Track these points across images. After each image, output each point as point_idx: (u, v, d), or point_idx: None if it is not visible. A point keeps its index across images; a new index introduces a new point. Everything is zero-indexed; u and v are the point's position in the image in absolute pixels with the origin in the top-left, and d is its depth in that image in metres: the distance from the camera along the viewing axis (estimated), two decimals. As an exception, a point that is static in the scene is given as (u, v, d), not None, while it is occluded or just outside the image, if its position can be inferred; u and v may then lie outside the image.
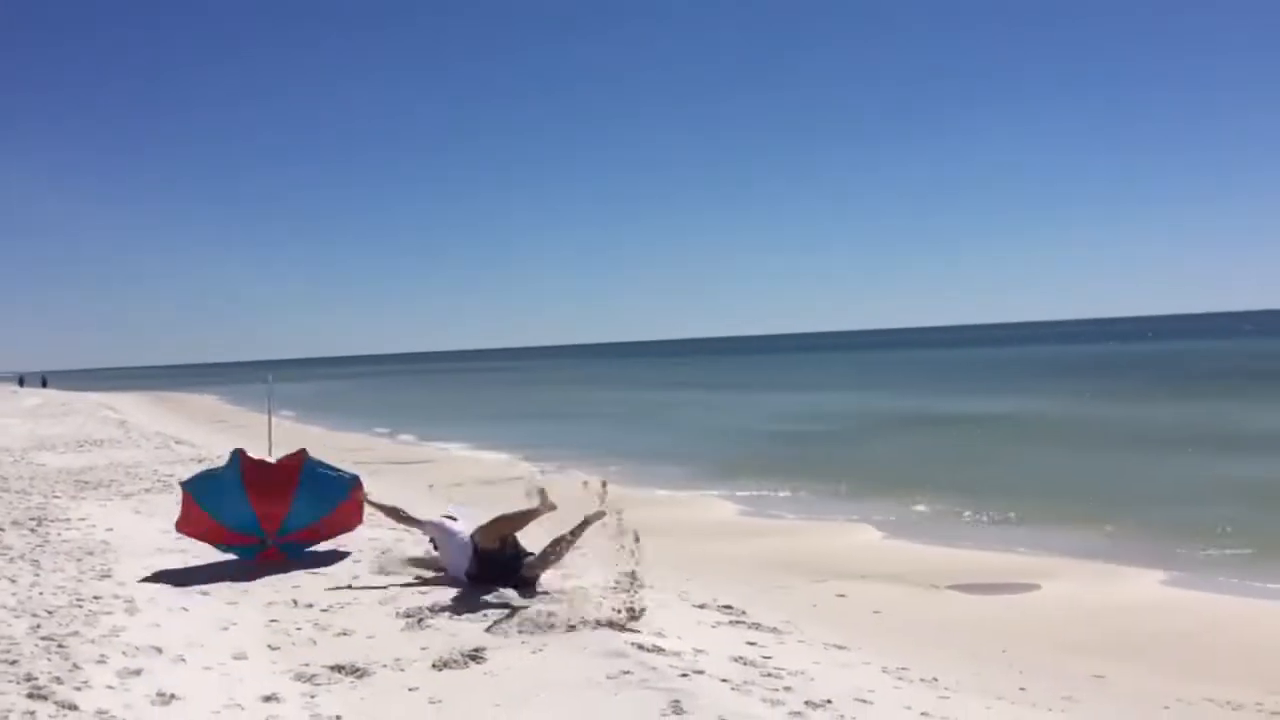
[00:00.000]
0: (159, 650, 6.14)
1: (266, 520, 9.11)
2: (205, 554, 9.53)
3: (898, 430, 26.07)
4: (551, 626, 6.62)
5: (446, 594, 7.67)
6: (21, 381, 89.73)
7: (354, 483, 9.50)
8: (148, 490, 14.34)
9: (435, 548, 8.54)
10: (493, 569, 7.86)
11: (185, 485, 9.34)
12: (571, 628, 6.58)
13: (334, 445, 26.76)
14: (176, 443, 23.70)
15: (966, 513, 13.81)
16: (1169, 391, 35.22)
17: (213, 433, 30.79)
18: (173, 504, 12.96)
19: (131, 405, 49.82)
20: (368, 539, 10.28)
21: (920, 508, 14.28)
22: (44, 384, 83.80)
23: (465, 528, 8.24)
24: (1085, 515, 13.26)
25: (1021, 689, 6.51)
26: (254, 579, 8.44)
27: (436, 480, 18.26)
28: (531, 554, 7.95)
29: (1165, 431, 22.71)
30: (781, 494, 16.04)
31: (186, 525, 9.16)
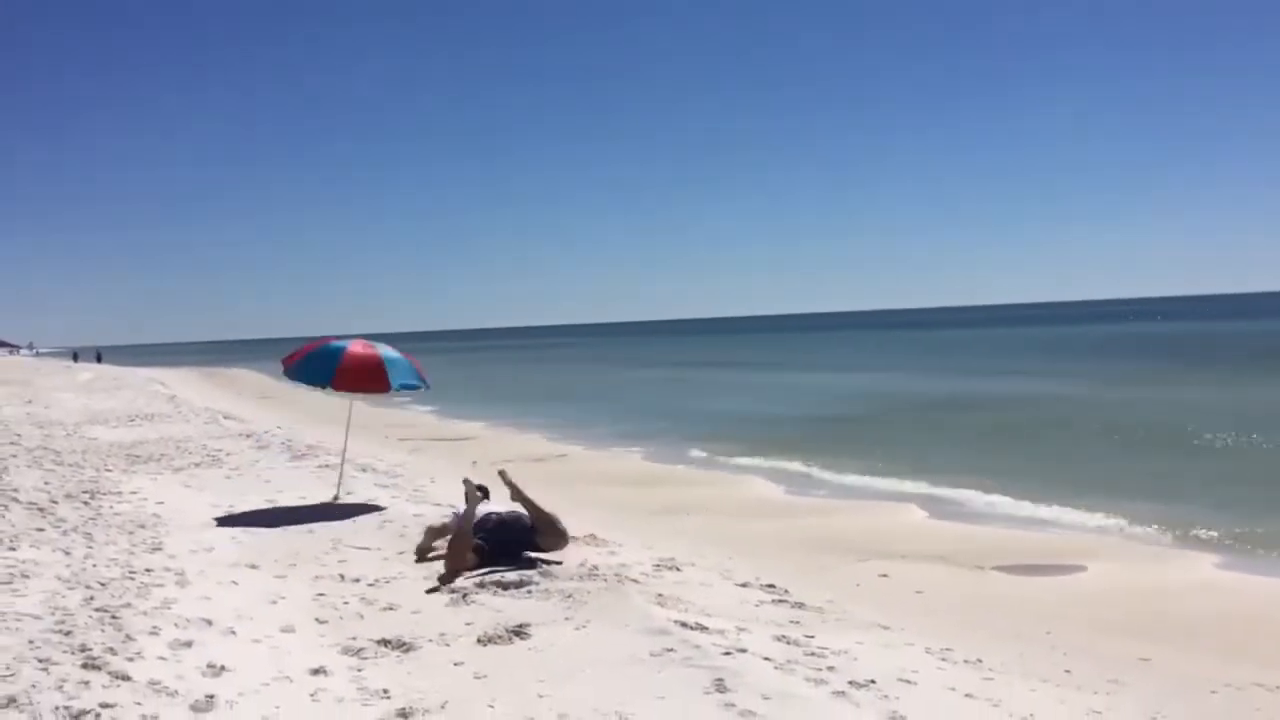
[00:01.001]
0: (209, 623, 6.24)
1: None
2: (254, 528, 9.69)
3: (934, 410, 25.87)
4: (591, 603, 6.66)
5: (491, 571, 7.73)
6: (75, 357, 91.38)
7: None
8: (197, 465, 14.57)
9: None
10: (505, 534, 8.07)
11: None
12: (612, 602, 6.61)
13: (378, 421, 27.03)
14: (225, 418, 24.02)
15: (1010, 493, 13.68)
16: (1211, 372, 34.65)
17: (260, 408, 31.20)
18: (221, 478, 13.22)
19: (180, 381, 50.54)
20: (413, 515, 10.39)
21: (963, 488, 14.18)
22: (99, 359, 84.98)
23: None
24: (1131, 496, 13.11)
25: (1066, 671, 6.46)
26: (301, 553, 8.57)
27: (481, 457, 18.38)
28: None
29: (1211, 411, 22.34)
30: (822, 473, 15.99)
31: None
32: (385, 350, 11.44)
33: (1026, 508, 12.81)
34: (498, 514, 8.33)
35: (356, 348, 11.27)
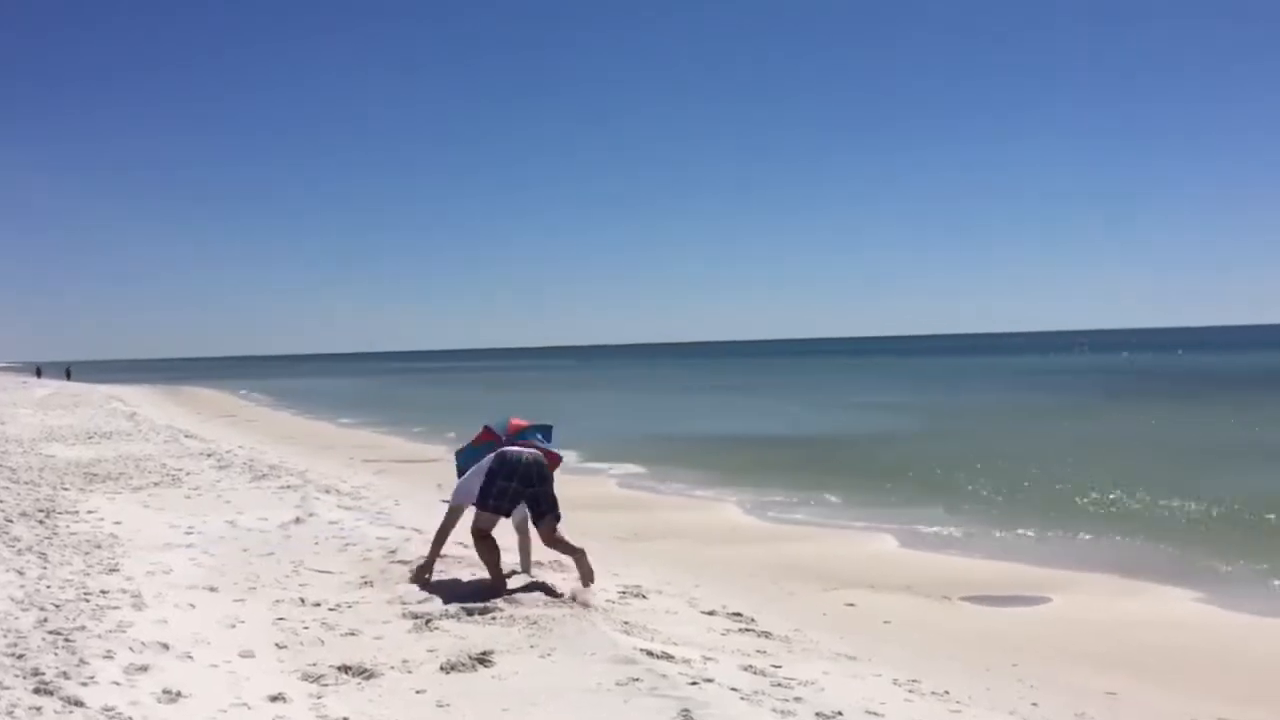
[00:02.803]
0: (166, 647, 6.10)
1: None
2: (213, 549, 9.53)
3: (913, 436, 25.97)
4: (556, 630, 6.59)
5: (454, 595, 7.63)
6: (39, 372, 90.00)
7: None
8: (156, 484, 14.34)
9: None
10: (517, 478, 7.95)
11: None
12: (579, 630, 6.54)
13: (344, 442, 26.80)
14: (186, 436, 23.72)
15: (982, 522, 13.72)
16: (1192, 404, 35.03)
17: (222, 428, 30.83)
18: (181, 498, 13.00)
19: (141, 398, 49.94)
20: (376, 538, 10.27)
21: (934, 516, 14.19)
22: (68, 375, 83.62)
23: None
24: (1105, 527, 13.17)
25: (1034, 704, 6.45)
26: (262, 576, 8.43)
27: (446, 480, 18.21)
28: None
29: (1189, 444, 22.56)
30: (791, 499, 15.96)
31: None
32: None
33: (997, 537, 12.83)
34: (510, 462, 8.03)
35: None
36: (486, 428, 9.25)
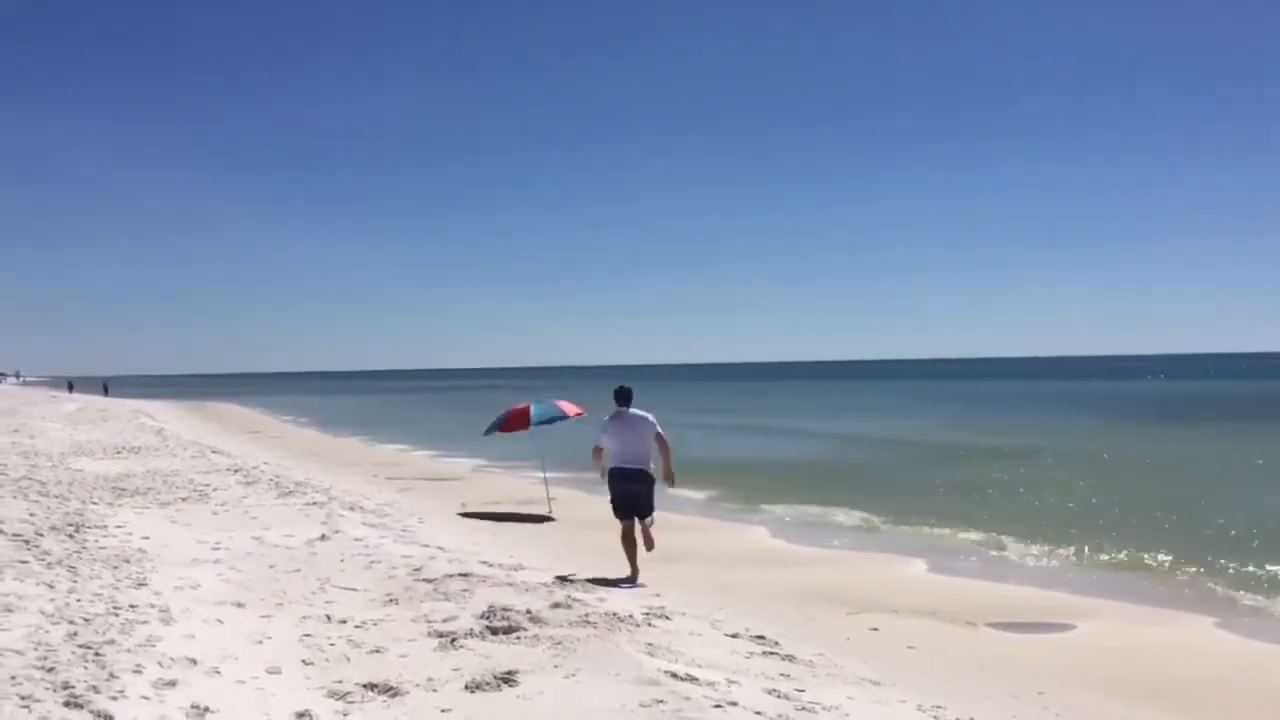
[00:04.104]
0: (194, 662, 6.15)
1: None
2: (241, 565, 9.60)
3: (935, 461, 25.84)
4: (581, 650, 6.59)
5: (478, 612, 7.66)
6: (71, 387, 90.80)
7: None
8: (184, 499, 14.46)
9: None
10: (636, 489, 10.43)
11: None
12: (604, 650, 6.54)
13: (367, 459, 26.91)
14: (213, 452, 23.89)
15: (1007, 548, 13.65)
16: (1217, 430, 34.70)
17: (248, 443, 31.03)
18: (208, 514, 13.11)
19: (168, 413, 50.34)
20: (401, 556, 10.31)
21: (958, 541, 14.13)
22: (105, 391, 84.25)
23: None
24: (1131, 554, 13.08)
25: (1060, 732, 6.40)
26: (288, 593, 8.48)
27: (470, 498, 18.27)
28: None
29: (1217, 471, 22.34)
30: (820, 522, 15.93)
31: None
32: (536, 401, 17.50)
33: (1023, 563, 12.76)
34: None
35: (519, 405, 17.42)
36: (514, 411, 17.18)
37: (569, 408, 17.09)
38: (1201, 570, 12.14)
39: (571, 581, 9.40)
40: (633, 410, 10.54)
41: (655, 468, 10.49)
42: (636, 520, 10.48)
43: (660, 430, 10.49)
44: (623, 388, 10.73)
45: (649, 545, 10.58)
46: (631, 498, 10.41)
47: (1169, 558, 12.85)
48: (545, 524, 15.36)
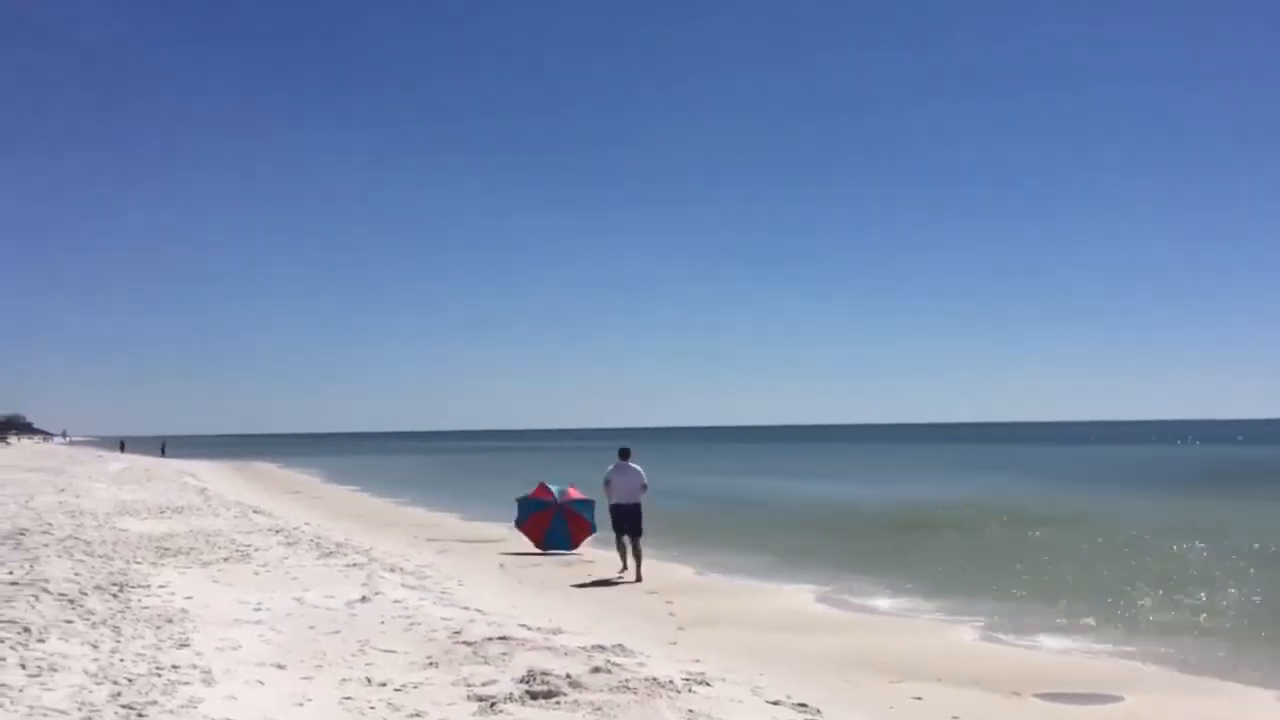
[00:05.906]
0: (235, 724, 6.17)
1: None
2: (281, 626, 9.63)
3: (978, 527, 25.46)
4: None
5: (518, 675, 7.62)
6: (122, 446, 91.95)
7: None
8: (226, 560, 14.55)
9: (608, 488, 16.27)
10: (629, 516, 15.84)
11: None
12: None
13: (406, 520, 26.99)
14: (255, 512, 24.07)
15: (1054, 615, 13.38)
16: (1259, 493, 34.03)
17: (289, 503, 31.24)
18: (250, 574, 13.18)
19: (211, 474, 50.82)
20: (441, 619, 10.31)
21: (1003, 608, 13.88)
22: (163, 451, 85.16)
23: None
24: (1182, 623, 12.78)
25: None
26: (329, 654, 8.49)
27: (508, 560, 18.25)
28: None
29: (1274, 536, 21.85)
30: (861, 587, 15.71)
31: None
32: (557, 514, 19.52)
33: (1070, 631, 12.50)
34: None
35: (544, 506, 19.60)
36: (543, 485, 19.19)
37: (578, 532, 19.44)
38: (1259, 639, 11.85)
39: (610, 647, 9.33)
40: (630, 463, 16.15)
41: (643, 500, 16.00)
42: (628, 538, 15.83)
43: (644, 479, 16.19)
44: (623, 448, 16.65)
45: (638, 577, 15.47)
46: (627, 519, 15.85)
47: (1222, 627, 12.56)
48: (588, 587, 15.27)
